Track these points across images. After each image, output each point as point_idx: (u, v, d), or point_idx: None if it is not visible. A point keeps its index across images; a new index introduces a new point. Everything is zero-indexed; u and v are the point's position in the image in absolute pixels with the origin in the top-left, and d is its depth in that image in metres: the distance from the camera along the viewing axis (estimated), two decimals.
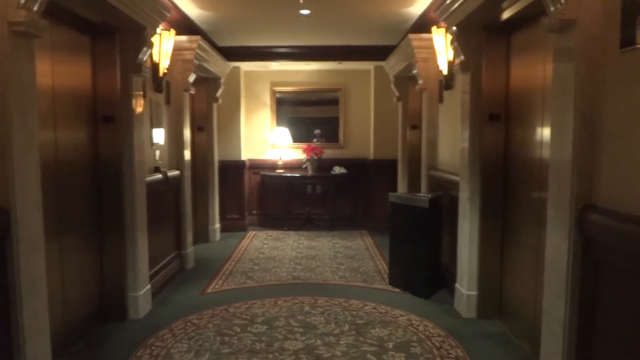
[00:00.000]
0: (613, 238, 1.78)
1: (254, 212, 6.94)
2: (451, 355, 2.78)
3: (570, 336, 2.02)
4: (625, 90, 1.77)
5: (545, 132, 2.71)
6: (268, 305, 3.64)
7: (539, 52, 2.81)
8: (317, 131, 7.06)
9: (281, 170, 6.75)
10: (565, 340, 2.03)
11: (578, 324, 1.99)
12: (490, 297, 3.36)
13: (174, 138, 4.69)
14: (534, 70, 2.90)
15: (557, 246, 2.08)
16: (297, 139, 6.90)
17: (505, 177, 3.29)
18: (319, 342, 2.97)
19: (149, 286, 3.58)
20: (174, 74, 4.66)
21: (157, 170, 4.07)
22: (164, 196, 4.26)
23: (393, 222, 4.15)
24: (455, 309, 3.52)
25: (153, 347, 2.91)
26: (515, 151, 3.17)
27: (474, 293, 3.37)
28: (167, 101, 4.55)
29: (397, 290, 4.01)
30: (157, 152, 4.15)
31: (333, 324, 3.25)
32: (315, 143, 6.87)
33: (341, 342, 2.97)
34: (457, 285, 3.55)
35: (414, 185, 5.46)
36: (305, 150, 6.65)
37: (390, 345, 2.92)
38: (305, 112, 7.33)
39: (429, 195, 3.93)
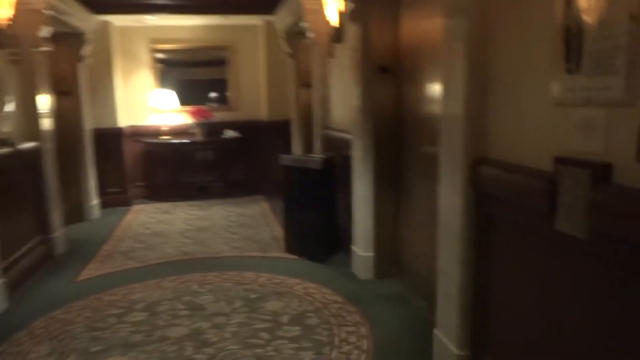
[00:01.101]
0: (503, 191, 1.67)
1: (139, 184, 6.31)
2: (349, 322, 2.65)
3: (466, 297, 1.93)
4: (513, 39, 1.63)
5: (437, 86, 2.58)
6: (151, 288, 3.26)
7: (430, 3, 2.64)
8: (212, 94, 6.54)
9: (167, 137, 6.18)
10: (461, 301, 1.94)
11: (474, 285, 1.91)
12: (387, 256, 3.28)
13: (27, 104, 3.96)
14: (425, 21, 2.74)
15: (450, 204, 1.96)
16: (187, 102, 6.32)
17: (399, 134, 3.17)
18: (206, 325, 2.67)
19: (1, 280, 3.01)
20: (21, 27, 3.88)
21: (2, 143, 3.40)
22: (16, 173, 3.60)
23: (286, 186, 3.91)
24: (353, 271, 3.40)
25: (4, 356, 2.42)
26: (409, 106, 3.04)
27: (371, 254, 3.27)
28: (15, 60, 3.81)
29: (294, 257, 3.82)
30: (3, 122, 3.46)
31: (223, 302, 2.97)
32: (207, 106, 6.36)
33: (232, 321, 2.70)
34: (353, 247, 3.43)
35: (310, 146, 5.25)
36: (193, 114, 6.13)
37: (285, 318, 2.72)
38: (194, 74, 6.76)
39: (322, 156, 3.73)
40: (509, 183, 1.61)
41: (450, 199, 1.96)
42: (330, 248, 3.78)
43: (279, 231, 4.53)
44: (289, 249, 3.91)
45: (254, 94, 6.51)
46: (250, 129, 6.37)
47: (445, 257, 2.04)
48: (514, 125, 1.62)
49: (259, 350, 2.38)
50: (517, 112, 1.60)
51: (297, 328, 2.59)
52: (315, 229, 3.68)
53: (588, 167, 1.27)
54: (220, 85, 6.55)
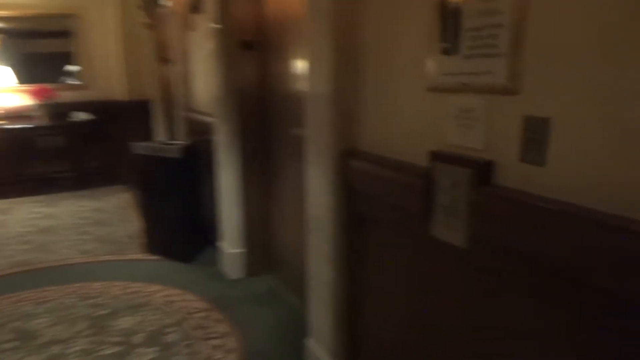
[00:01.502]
0: (375, 188, 1.46)
1: None
2: (215, 334, 2.33)
3: (340, 303, 1.72)
4: (383, 13, 1.40)
5: (305, 63, 2.31)
6: None
7: None
8: (70, 67, 5.58)
9: (1, 122, 5.18)
10: (335, 308, 1.73)
11: (348, 289, 1.70)
12: (259, 251, 3.00)
13: None
14: None
15: (318, 200, 1.72)
16: (33, 80, 5.33)
17: (267, 116, 2.86)
18: (37, 359, 2.17)
19: None
20: None
21: None
22: None
23: (143, 179, 3.41)
24: (222, 270, 3.08)
25: None
26: (276, 85, 2.74)
27: (241, 250, 2.97)
28: None
29: (155, 258, 3.36)
30: None
31: (63, 325, 2.46)
32: (55, 85, 5.42)
33: (71, 350, 2.23)
34: (222, 243, 3.10)
35: (175, 129, 4.73)
36: (33, 94, 5.20)
37: (140, 338, 2.31)
38: (39, 46, 5.72)
39: (182, 143, 3.30)
40: (382, 179, 1.40)
41: (318, 195, 1.71)
42: (196, 245, 3.40)
43: (138, 228, 4.00)
44: (150, 249, 3.44)
45: (109, 71, 5.71)
46: (106, 110, 5.59)
47: (315, 259, 1.81)
48: (388, 113, 1.41)
49: None
50: (390, 98, 1.39)
51: (153, 349, 2.21)
52: (178, 225, 3.26)
53: (468, 165, 1.08)
54: (69, 60, 5.64)
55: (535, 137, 0.95)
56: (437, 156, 1.17)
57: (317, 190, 1.72)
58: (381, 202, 1.43)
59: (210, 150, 3.19)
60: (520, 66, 0.96)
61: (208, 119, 3.22)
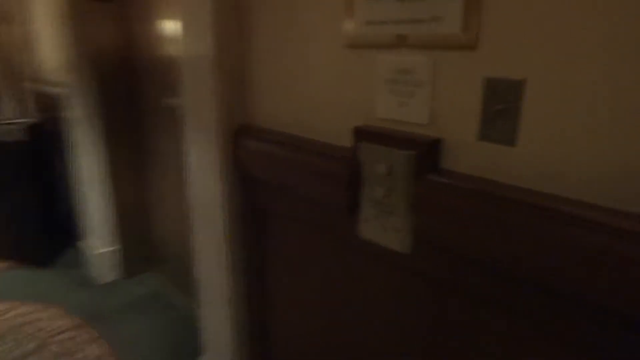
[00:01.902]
0: (276, 173, 1.14)
1: None
2: (87, 359, 1.89)
3: (241, 316, 1.41)
4: None
5: (177, 19, 1.88)
6: None
7: None
8: None
9: None
10: (235, 317, 1.41)
11: (251, 296, 1.39)
12: (136, 247, 2.55)
13: None
14: None
15: (206, 192, 1.36)
16: None
17: (134, 85, 2.37)
18: None
19: None
20: None
21: None
22: None
23: None
24: (90, 274, 2.57)
25: None
26: (143, 47, 2.25)
27: (114, 247, 2.49)
28: None
29: (7, 264, 2.73)
30: None
31: None
32: None
33: None
34: (87, 241, 2.58)
35: (19, 104, 3.91)
36: None
37: None
38: None
39: (27, 121, 2.66)
40: (289, 164, 1.08)
41: (204, 184, 1.35)
42: (53, 246, 2.81)
43: None
44: None
45: None
46: None
47: (206, 263, 1.46)
48: (294, 79, 1.08)
49: None
50: (296, 59, 1.06)
51: None
52: (28, 222, 2.65)
53: (407, 145, 0.81)
54: None
55: (502, 107, 0.71)
56: (364, 134, 0.89)
57: (202, 178, 1.35)
58: (290, 194, 1.12)
59: (64, 129, 2.61)
60: (481, 10, 0.70)
61: (59, 91, 2.62)
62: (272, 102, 1.14)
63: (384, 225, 0.88)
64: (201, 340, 1.60)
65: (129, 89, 2.36)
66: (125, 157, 2.43)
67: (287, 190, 1.12)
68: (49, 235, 2.73)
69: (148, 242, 2.55)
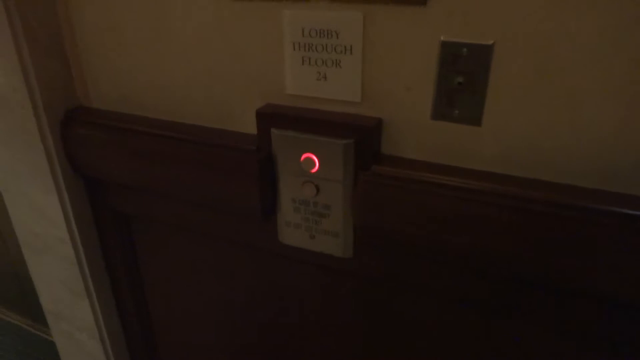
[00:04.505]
0: (138, 173, 0.86)
1: None
2: None
3: (112, 342, 1.13)
4: None
5: None
6: None
7: None
8: None
9: None
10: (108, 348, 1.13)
11: (123, 320, 1.11)
12: None
13: None
14: None
15: (29, 200, 0.99)
16: None
17: None
18: None
19: None
20: None
21: None
22: None
23: None
24: None
25: None
26: None
27: None
28: None
29: None
30: None
31: None
32: None
33: None
34: None
35: None
36: None
37: None
38: None
39: None
40: (167, 161, 0.80)
41: (28, 196, 0.98)
42: None
43: None
44: None
45: None
46: None
47: (51, 292, 1.12)
48: (157, 42, 0.77)
49: None
50: (159, 15, 0.75)
51: None
52: None
53: (339, 131, 0.63)
54: None
55: (464, 79, 0.57)
56: (273, 118, 0.68)
57: (23, 191, 0.98)
58: (166, 196, 0.86)
59: None
60: None
61: None
62: (122, 77, 0.82)
63: (314, 229, 0.71)
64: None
65: None
66: None
67: (162, 193, 0.86)
68: None
69: None
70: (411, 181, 0.61)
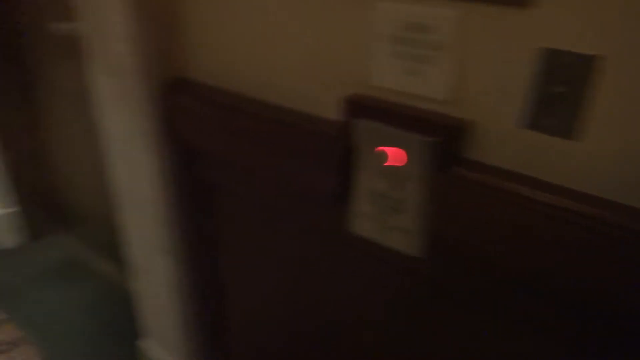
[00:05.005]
0: (229, 146, 0.91)
1: None
2: None
3: (184, 301, 1.22)
4: None
5: None
6: None
7: None
8: None
9: None
10: (177, 307, 1.22)
11: (198, 284, 1.19)
12: (39, 206, 2.18)
13: None
14: None
15: (131, 167, 1.09)
16: None
17: (8, 7, 1.88)
18: None
19: None
20: None
21: None
22: None
23: None
24: None
25: None
26: None
27: (14, 209, 2.11)
28: None
29: None
30: None
31: None
32: None
33: None
34: None
35: None
36: None
37: None
38: None
39: None
40: (256, 137, 0.85)
41: (129, 154, 1.08)
42: None
43: None
44: None
45: None
46: None
47: (139, 246, 1.23)
48: (258, 24, 0.82)
49: None
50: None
51: None
52: None
53: (424, 128, 0.63)
54: None
55: (563, 89, 0.54)
56: (362, 108, 0.69)
57: (125, 149, 1.08)
58: (249, 171, 0.91)
59: None
60: None
61: None
62: (221, 51, 0.88)
63: (386, 223, 0.71)
64: (139, 322, 1.40)
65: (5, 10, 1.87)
66: (11, 97, 1.98)
67: (246, 168, 0.90)
68: None
69: (54, 199, 2.19)
70: (497, 189, 0.59)
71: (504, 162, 0.61)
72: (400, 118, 0.65)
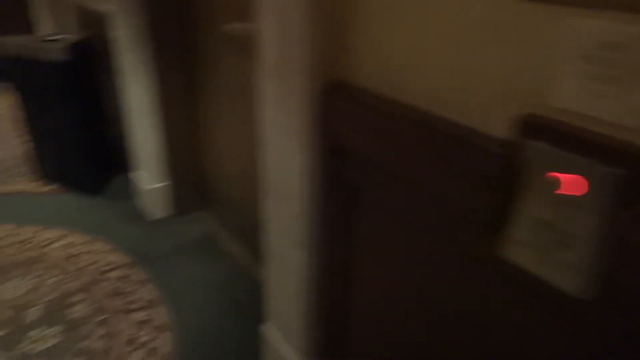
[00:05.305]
0: (382, 151, 0.91)
1: None
2: (138, 302, 1.82)
3: (311, 293, 1.25)
4: None
5: None
6: None
7: None
8: None
9: None
10: (304, 299, 1.26)
11: (325, 279, 1.22)
12: (188, 184, 2.41)
13: None
14: None
15: (283, 160, 1.15)
16: None
17: (187, 5, 2.09)
18: None
19: None
20: None
21: None
22: None
23: (21, 86, 2.55)
24: (141, 207, 2.48)
25: None
26: None
27: (165, 183, 2.36)
28: None
29: (51, 187, 2.66)
30: None
31: None
32: None
33: None
34: (137, 174, 2.46)
35: (62, 19, 3.67)
36: None
37: (34, 313, 1.75)
38: None
39: (69, 38, 2.44)
40: (411, 145, 0.84)
41: (282, 151, 1.14)
42: (103, 172, 2.72)
43: (26, 148, 3.17)
44: (47, 175, 2.71)
45: None
46: None
47: (277, 235, 1.29)
48: (430, 29, 0.81)
49: None
50: (440, 2, 0.78)
51: (54, 330, 1.67)
52: (76, 145, 2.53)
53: (614, 158, 0.56)
54: None
55: None
56: (539, 128, 0.64)
57: (280, 144, 1.14)
58: (395, 177, 0.90)
59: (109, 49, 2.40)
60: None
61: (105, 7, 2.37)
62: (387, 57, 0.88)
63: (549, 255, 0.65)
64: (265, 306, 1.47)
65: (183, 9, 2.08)
66: (177, 86, 2.21)
67: (397, 176, 0.90)
68: (96, 163, 2.62)
69: (201, 179, 2.41)
70: None
71: None
72: (583, 144, 0.59)
